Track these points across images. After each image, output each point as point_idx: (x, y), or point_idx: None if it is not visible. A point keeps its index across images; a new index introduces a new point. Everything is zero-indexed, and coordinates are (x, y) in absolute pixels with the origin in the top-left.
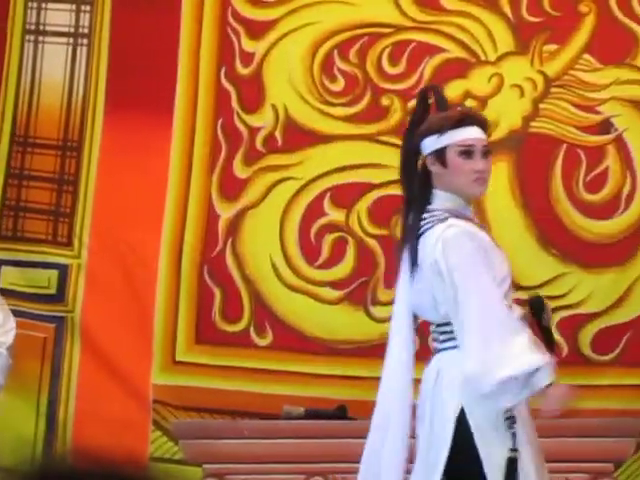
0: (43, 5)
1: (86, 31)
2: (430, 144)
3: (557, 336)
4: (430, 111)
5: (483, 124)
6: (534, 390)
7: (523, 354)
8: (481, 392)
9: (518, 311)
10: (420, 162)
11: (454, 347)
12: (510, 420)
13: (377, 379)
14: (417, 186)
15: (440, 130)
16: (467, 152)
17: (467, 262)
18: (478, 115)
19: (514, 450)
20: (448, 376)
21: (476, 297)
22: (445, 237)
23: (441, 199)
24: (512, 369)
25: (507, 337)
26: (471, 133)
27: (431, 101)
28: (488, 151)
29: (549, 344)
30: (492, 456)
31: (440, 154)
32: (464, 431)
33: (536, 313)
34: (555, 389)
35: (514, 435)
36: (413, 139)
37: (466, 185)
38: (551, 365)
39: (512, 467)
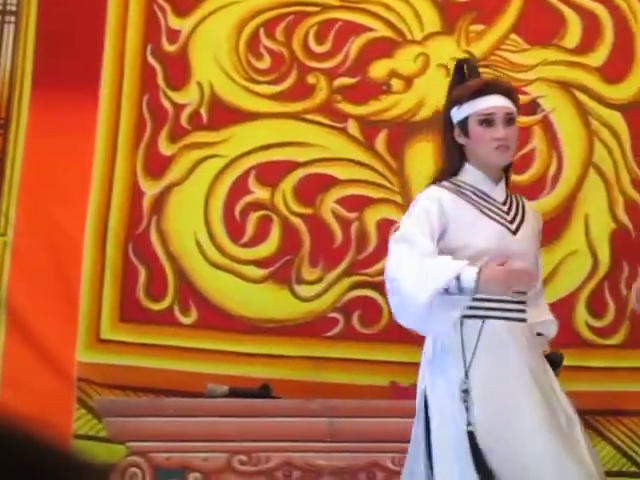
0: None
1: (14, 9)
2: (455, 115)
3: None
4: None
5: (507, 92)
6: (466, 290)
7: (439, 270)
8: (417, 319)
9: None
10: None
11: None
12: (463, 393)
13: (301, 358)
14: (449, 158)
15: (460, 100)
16: (487, 120)
17: (406, 217)
18: (501, 83)
19: (471, 424)
20: (425, 348)
21: (392, 243)
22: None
23: (464, 172)
24: (434, 284)
25: (417, 264)
26: (491, 101)
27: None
28: (512, 118)
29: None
30: (443, 429)
31: (463, 125)
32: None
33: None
34: (486, 271)
35: (467, 409)
36: (447, 112)
37: (488, 154)
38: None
39: (473, 441)
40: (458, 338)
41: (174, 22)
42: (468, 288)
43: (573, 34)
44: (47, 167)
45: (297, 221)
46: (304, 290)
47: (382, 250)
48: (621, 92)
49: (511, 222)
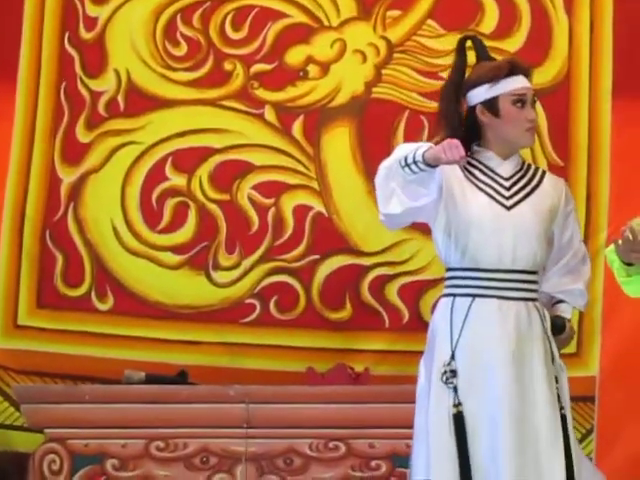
0: None
1: None
2: (480, 94)
3: (400, 303)
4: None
5: (528, 73)
6: (417, 159)
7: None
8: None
9: None
10: (465, 112)
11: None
12: (448, 374)
13: (218, 344)
14: (461, 135)
15: (492, 80)
16: (520, 101)
17: None
18: (525, 64)
19: (457, 405)
20: None
21: None
22: None
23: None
24: (396, 154)
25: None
26: (522, 82)
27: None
28: (535, 101)
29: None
30: (432, 410)
31: (492, 104)
32: None
33: (555, 329)
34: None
35: (455, 389)
36: (456, 88)
37: (519, 134)
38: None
39: (458, 424)
40: (447, 317)
41: (91, 9)
42: (418, 155)
43: (490, 19)
44: None
45: (214, 207)
46: (221, 276)
47: (299, 236)
48: (539, 77)
49: (508, 198)
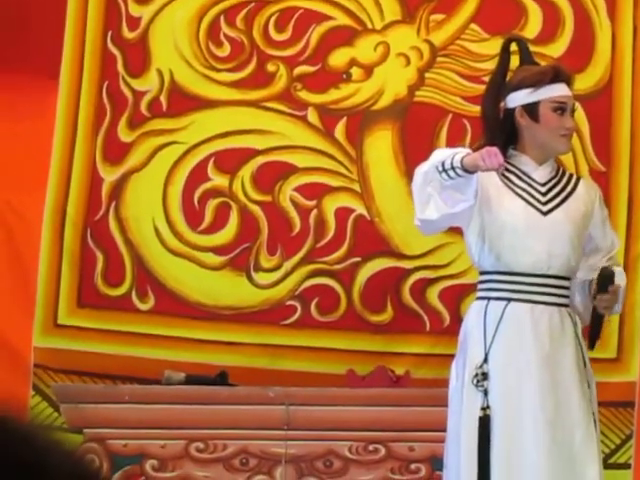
0: None
1: None
2: (521, 97)
3: (440, 307)
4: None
5: (571, 81)
6: (455, 165)
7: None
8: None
9: None
10: (503, 113)
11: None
12: (479, 377)
13: (258, 346)
14: (500, 137)
15: (535, 84)
16: (561, 108)
17: None
18: (568, 72)
19: (485, 409)
20: None
21: None
22: None
23: (509, 155)
24: (433, 159)
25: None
26: (564, 90)
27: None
28: (575, 109)
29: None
30: (462, 413)
31: (532, 108)
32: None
33: (601, 285)
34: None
35: (485, 392)
36: (498, 90)
37: (555, 140)
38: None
39: (483, 427)
40: (481, 321)
41: (134, 9)
42: (456, 161)
43: (534, 24)
44: (5, 152)
45: (255, 209)
46: (262, 278)
47: (340, 238)
48: (581, 83)
49: (545, 203)
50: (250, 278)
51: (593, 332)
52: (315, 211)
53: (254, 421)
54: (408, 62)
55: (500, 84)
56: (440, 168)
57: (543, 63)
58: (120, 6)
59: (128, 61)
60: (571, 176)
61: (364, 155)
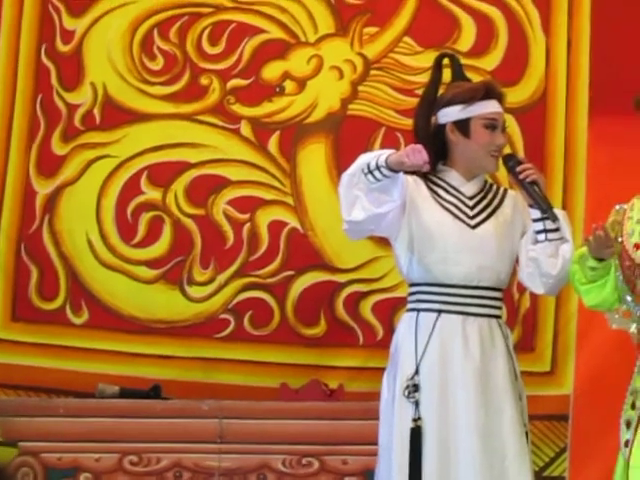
0: None
1: None
2: (452, 114)
3: (374, 320)
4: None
5: (502, 98)
6: (380, 164)
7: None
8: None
9: None
10: (434, 128)
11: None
12: (410, 389)
13: (191, 359)
14: (430, 152)
15: (467, 101)
16: (492, 125)
17: None
18: (499, 89)
19: (416, 420)
20: None
21: None
22: None
23: (438, 170)
24: (360, 161)
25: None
26: (495, 106)
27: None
28: (505, 127)
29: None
30: (394, 425)
31: (463, 124)
32: None
33: (510, 171)
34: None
35: (417, 404)
36: (429, 105)
37: (483, 158)
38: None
39: (414, 438)
40: (412, 332)
41: (68, 22)
42: (381, 161)
43: (467, 37)
44: None
45: (189, 222)
46: (195, 291)
47: (273, 251)
48: (515, 95)
49: (473, 217)
50: (183, 291)
51: (540, 203)
52: (248, 224)
53: (188, 434)
54: (341, 75)
55: (432, 99)
56: (366, 170)
57: (476, 79)
58: (54, 19)
59: (62, 74)
60: (498, 189)
61: (297, 168)
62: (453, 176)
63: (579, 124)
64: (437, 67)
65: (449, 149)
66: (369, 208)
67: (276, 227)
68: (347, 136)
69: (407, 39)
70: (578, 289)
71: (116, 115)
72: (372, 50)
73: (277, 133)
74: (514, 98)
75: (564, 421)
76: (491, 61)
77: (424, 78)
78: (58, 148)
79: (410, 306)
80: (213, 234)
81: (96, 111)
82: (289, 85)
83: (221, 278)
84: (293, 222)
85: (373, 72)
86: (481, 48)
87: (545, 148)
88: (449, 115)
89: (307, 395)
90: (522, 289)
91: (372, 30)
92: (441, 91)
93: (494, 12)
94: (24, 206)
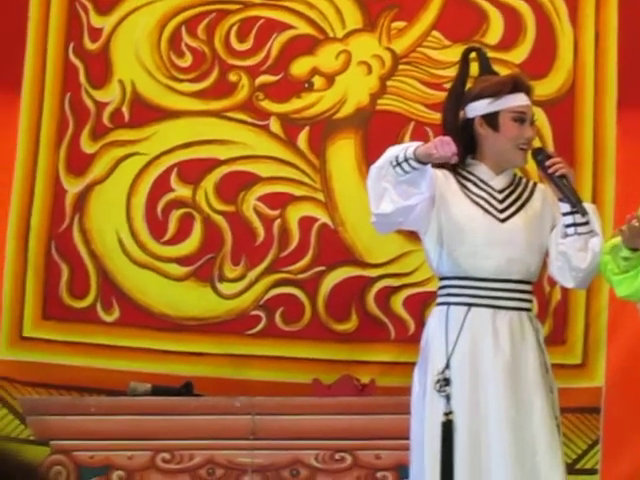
0: None
1: None
2: (481, 107)
3: (405, 314)
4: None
5: (530, 91)
6: (408, 157)
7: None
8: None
9: None
10: (462, 122)
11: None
12: (441, 382)
13: (223, 356)
14: (459, 146)
15: (495, 95)
16: (521, 119)
17: None
18: (527, 82)
19: (447, 414)
20: None
21: None
22: None
23: (466, 164)
24: (388, 154)
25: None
26: (523, 100)
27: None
28: (534, 120)
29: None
30: (426, 419)
31: (492, 118)
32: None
33: (540, 165)
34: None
35: (448, 398)
36: (457, 99)
37: (512, 151)
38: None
39: (446, 432)
40: (442, 326)
41: (96, 20)
42: (409, 153)
43: (495, 30)
44: None
45: (219, 219)
46: (226, 288)
47: (304, 247)
48: (543, 89)
49: (502, 211)
50: (214, 288)
51: (570, 197)
52: (279, 220)
53: (220, 431)
54: (370, 70)
55: (460, 93)
56: (394, 162)
57: (504, 72)
58: (82, 17)
59: (90, 72)
60: (527, 182)
61: (327, 164)
62: (482, 170)
63: (608, 116)
64: (464, 61)
65: (478, 143)
66: (397, 201)
67: (306, 223)
68: (376, 131)
69: (435, 33)
70: (610, 280)
71: (145, 112)
72: (400, 45)
73: (306, 129)
74: (542, 91)
75: (596, 413)
76: (519, 54)
77: (453, 72)
78: (87, 146)
79: (440, 300)
80: (243, 231)
81: (125, 109)
82: (318, 81)
83: (252, 274)
84: (323, 218)
85: (401, 67)
86: (509, 41)
87: (574, 141)
88: (477, 109)
89: (339, 390)
90: (553, 282)
91: (400, 25)
92: (469, 85)
93: (522, 5)
94: (54, 205)
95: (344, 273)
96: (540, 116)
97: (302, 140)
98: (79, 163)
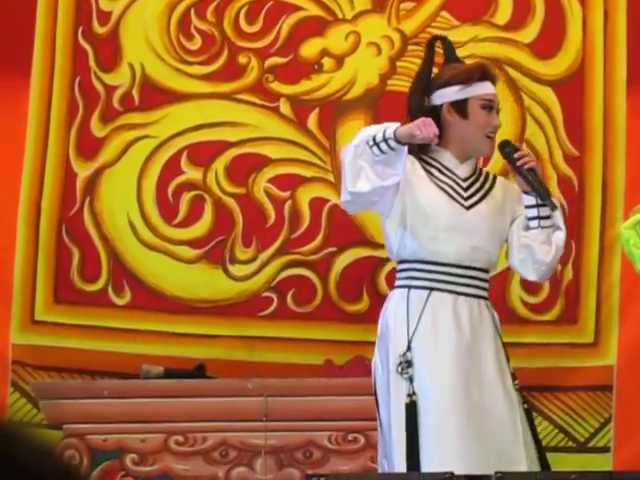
0: None
1: None
2: (449, 94)
3: None
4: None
5: (495, 81)
6: (388, 137)
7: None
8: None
9: None
10: (428, 109)
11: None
12: (403, 365)
13: (235, 338)
14: None
15: (464, 82)
16: (489, 106)
17: None
18: (493, 71)
19: (410, 395)
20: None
21: None
22: None
23: (432, 150)
24: (365, 132)
25: None
26: (491, 88)
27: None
28: (499, 109)
29: (537, 187)
30: (391, 401)
31: (460, 105)
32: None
33: (507, 157)
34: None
35: (410, 379)
36: (424, 87)
37: (479, 139)
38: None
39: (410, 413)
40: (403, 309)
41: (105, 4)
42: (389, 133)
43: (504, 10)
44: None
45: (230, 201)
46: (238, 270)
47: (315, 229)
48: (552, 68)
49: (467, 198)
50: (226, 270)
51: (539, 191)
52: (289, 202)
53: (233, 413)
54: (379, 51)
55: (426, 80)
56: (371, 142)
57: (514, 52)
58: (90, 1)
59: (99, 56)
60: (488, 174)
61: (337, 145)
62: (447, 157)
63: (617, 95)
64: (430, 49)
65: (444, 130)
66: (375, 180)
67: (317, 204)
68: (386, 112)
69: (444, 14)
70: (632, 254)
71: (155, 95)
72: (409, 25)
73: (316, 110)
74: (551, 70)
75: (608, 392)
76: (528, 34)
77: (462, 52)
78: (97, 130)
79: (400, 283)
80: (254, 212)
81: (134, 92)
82: (327, 62)
83: (263, 256)
84: (334, 199)
85: (411, 47)
86: (518, 21)
87: (584, 120)
88: (446, 96)
89: (351, 371)
90: (564, 261)
91: (409, 5)
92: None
93: None
94: (64, 188)
95: (355, 254)
96: (549, 96)
97: (312, 121)
98: (89, 147)
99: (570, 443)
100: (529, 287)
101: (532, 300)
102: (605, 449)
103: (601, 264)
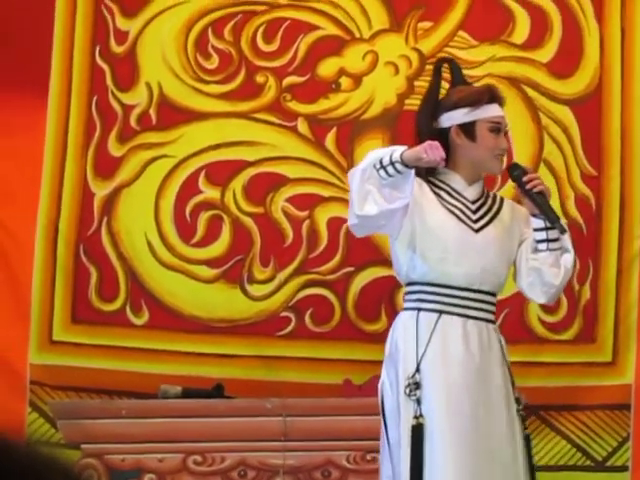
0: None
1: None
2: (457, 117)
3: None
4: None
5: (503, 103)
6: (394, 160)
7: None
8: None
9: None
10: (436, 132)
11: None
12: (412, 387)
13: (253, 357)
14: None
15: (473, 104)
16: (497, 129)
17: None
18: (501, 93)
19: (417, 417)
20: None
21: None
22: None
23: (440, 173)
24: (372, 156)
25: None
26: (499, 111)
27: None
28: (507, 131)
29: (546, 211)
30: (402, 424)
31: (468, 127)
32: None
33: (516, 180)
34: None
35: (418, 402)
36: (432, 109)
37: (489, 160)
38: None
39: (416, 435)
40: (413, 331)
41: (122, 23)
42: (395, 157)
43: (521, 30)
44: None
45: (248, 220)
46: (256, 289)
47: (333, 248)
48: (570, 87)
49: (476, 221)
50: (244, 290)
51: (549, 214)
52: (307, 222)
53: (252, 433)
54: (397, 71)
55: (434, 103)
56: (378, 165)
57: (532, 72)
58: (108, 20)
59: (117, 75)
60: (495, 196)
61: (355, 164)
62: (455, 180)
63: (635, 113)
64: (437, 72)
65: (452, 152)
66: (382, 203)
67: (335, 224)
68: (404, 131)
69: (462, 33)
70: None
71: (172, 115)
72: (427, 45)
73: (334, 130)
74: (569, 90)
75: (626, 410)
76: (546, 53)
77: (479, 72)
78: (115, 149)
79: (410, 305)
80: (272, 232)
81: (152, 111)
82: (345, 81)
83: (281, 276)
84: None
85: (428, 67)
86: (536, 40)
87: (601, 139)
88: (454, 118)
89: (370, 391)
90: (582, 280)
91: (426, 25)
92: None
93: (547, 3)
94: (82, 208)
95: (373, 273)
96: (567, 115)
97: (330, 141)
98: (107, 166)
99: (588, 462)
100: (547, 306)
101: (550, 319)
102: (623, 468)
103: (619, 283)
